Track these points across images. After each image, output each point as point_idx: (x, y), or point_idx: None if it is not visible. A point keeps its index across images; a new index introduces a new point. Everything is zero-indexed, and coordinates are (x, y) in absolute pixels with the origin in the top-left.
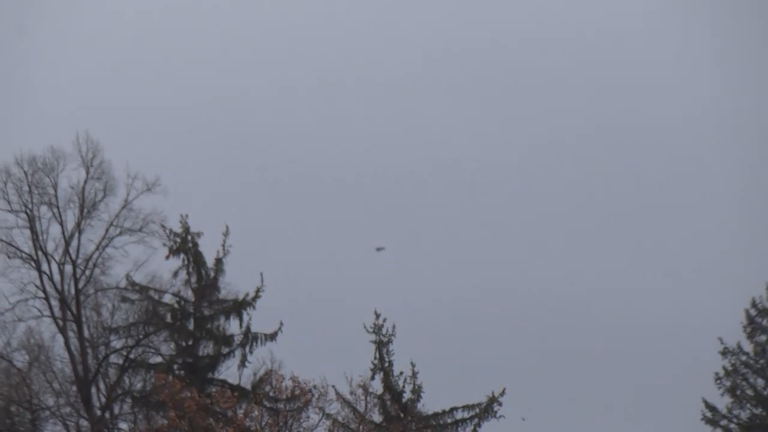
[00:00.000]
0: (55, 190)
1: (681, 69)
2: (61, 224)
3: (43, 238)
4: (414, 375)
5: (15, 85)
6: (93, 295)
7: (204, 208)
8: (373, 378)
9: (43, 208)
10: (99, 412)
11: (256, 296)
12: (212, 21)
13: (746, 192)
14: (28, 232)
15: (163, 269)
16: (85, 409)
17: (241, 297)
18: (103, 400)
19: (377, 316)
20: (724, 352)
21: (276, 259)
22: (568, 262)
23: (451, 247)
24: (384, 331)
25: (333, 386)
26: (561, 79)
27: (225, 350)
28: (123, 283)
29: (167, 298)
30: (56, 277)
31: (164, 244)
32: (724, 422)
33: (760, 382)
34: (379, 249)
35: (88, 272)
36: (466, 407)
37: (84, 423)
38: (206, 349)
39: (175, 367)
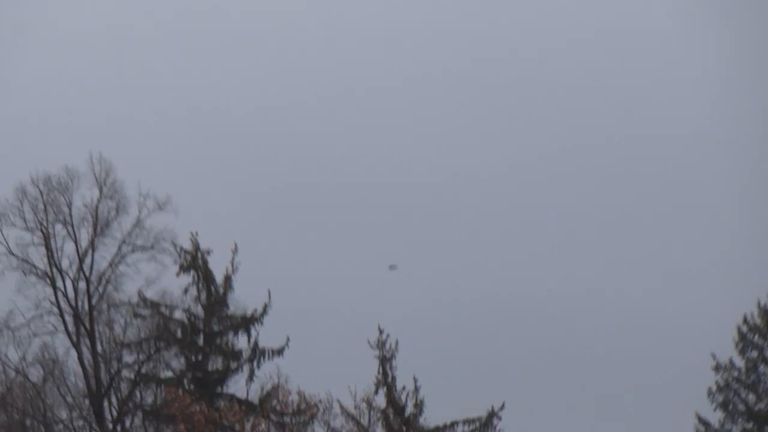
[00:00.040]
0: (70, 209)
1: (680, 74)
2: (75, 242)
3: (57, 255)
4: (416, 390)
5: (29, 103)
6: (106, 310)
7: (213, 225)
8: (376, 392)
9: (58, 226)
10: (111, 425)
11: (264, 312)
12: (216, 38)
13: (745, 203)
14: (43, 249)
15: (173, 286)
16: (97, 422)
17: (249, 313)
18: (115, 413)
19: (381, 332)
20: (717, 368)
21: (283, 275)
22: (567, 276)
23: (453, 256)
24: (387, 346)
25: (338, 400)
26: (563, 84)
27: (233, 365)
28: (135, 300)
29: (178, 314)
30: (70, 294)
31: (175, 262)
32: None
33: (752, 397)
34: (392, 267)
35: (101, 288)
36: (466, 421)
37: None
38: (215, 364)
39: (185, 381)
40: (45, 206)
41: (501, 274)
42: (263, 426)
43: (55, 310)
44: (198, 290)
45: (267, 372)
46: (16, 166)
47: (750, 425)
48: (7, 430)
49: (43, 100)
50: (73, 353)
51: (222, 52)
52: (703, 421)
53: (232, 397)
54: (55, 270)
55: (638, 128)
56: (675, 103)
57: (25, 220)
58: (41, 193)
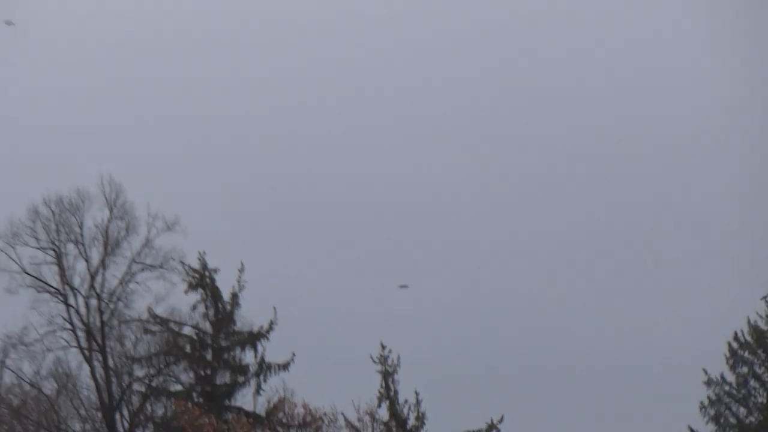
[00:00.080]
0: (81, 229)
1: (681, 74)
2: (87, 261)
3: (69, 273)
4: (418, 403)
5: (39, 128)
6: (117, 327)
7: (220, 245)
8: (379, 406)
9: (70, 246)
10: None
11: (270, 328)
12: (221, 55)
13: (744, 208)
14: (55, 267)
15: (182, 303)
16: None
17: (255, 329)
18: (127, 425)
19: (383, 347)
20: (708, 383)
21: (289, 292)
22: (563, 287)
23: (456, 268)
24: (389, 361)
25: (342, 413)
26: (564, 85)
27: (241, 379)
28: (145, 316)
29: (187, 330)
30: (82, 310)
31: (183, 280)
32: None
33: (743, 410)
34: (402, 287)
35: (112, 306)
36: None
37: None
38: (223, 378)
39: (194, 394)
40: (57, 226)
41: (499, 285)
42: None
43: (68, 326)
44: (206, 307)
45: (273, 386)
46: (29, 187)
47: None
48: None
49: (49, 119)
50: (86, 367)
51: (234, 70)
52: None
53: (239, 410)
54: (67, 288)
55: (638, 129)
56: (675, 103)
57: (38, 240)
58: (53, 213)
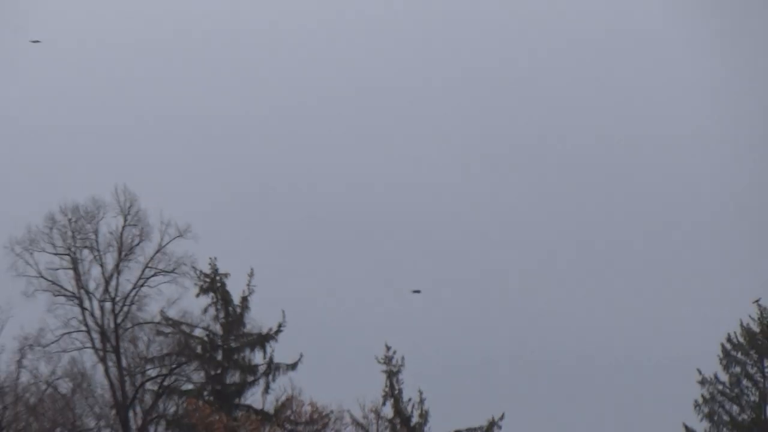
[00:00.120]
0: (96, 236)
1: (679, 75)
2: (101, 266)
3: (85, 278)
4: (421, 401)
5: (57, 137)
6: (130, 329)
7: (230, 249)
8: (384, 404)
9: (85, 252)
10: None
11: (278, 330)
12: (233, 64)
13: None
14: (71, 272)
15: (193, 306)
16: (123, 431)
17: (264, 331)
18: (140, 422)
19: (388, 348)
20: (702, 382)
21: (297, 295)
22: (562, 301)
23: (458, 284)
24: (394, 361)
25: (348, 411)
26: (563, 85)
27: (250, 379)
28: (158, 319)
29: (198, 332)
30: (97, 313)
31: (195, 284)
32: None
33: (735, 408)
34: (415, 291)
35: (125, 309)
36: (468, 430)
37: None
38: (233, 377)
39: (205, 393)
40: (73, 233)
41: (500, 284)
42: None
43: (83, 328)
44: (217, 310)
45: (282, 385)
46: (45, 195)
47: None
48: None
49: (51, 119)
50: (100, 367)
51: (240, 75)
52: (690, 431)
53: (248, 408)
54: (82, 291)
55: (638, 128)
56: (674, 103)
57: (54, 246)
58: (69, 221)
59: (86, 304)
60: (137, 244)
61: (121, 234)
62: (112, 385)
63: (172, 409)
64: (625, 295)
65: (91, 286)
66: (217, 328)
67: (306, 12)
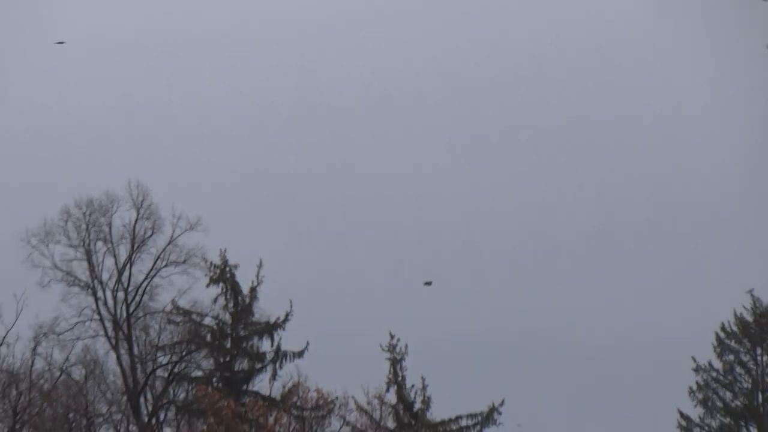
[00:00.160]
0: (110, 228)
1: (680, 77)
2: (115, 257)
3: (98, 269)
4: (424, 387)
5: (72, 134)
6: (142, 318)
7: (240, 241)
8: (387, 390)
9: (99, 244)
10: (146, 419)
11: (286, 319)
12: (243, 63)
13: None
14: (85, 264)
15: (203, 296)
16: (134, 416)
17: (272, 320)
18: (151, 408)
19: (392, 336)
20: (697, 369)
21: (305, 285)
22: (560, 290)
23: (459, 275)
24: (397, 349)
25: (352, 397)
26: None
27: (258, 366)
28: (169, 308)
29: (208, 321)
30: (110, 303)
31: (205, 275)
32: (696, 430)
33: (729, 395)
34: (426, 283)
35: (138, 298)
36: (469, 416)
37: (133, 428)
38: (241, 364)
39: (214, 380)
40: (87, 226)
41: (501, 280)
42: (285, 420)
43: (96, 317)
44: (226, 300)
45: (288, 372)
46: (60, 189)
47: (727, 420)
48: (53, 423)
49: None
50: (112, 355)
51: (250, 70)
52: (684, 417)
53: (256, 394)
54: (96, 282)
55: (638, 126)
56: (674, 90)
57: (69, 238)
58: (84, 214)
59: (99, 294)
60: (149, 237)
61: (134, 227)
62: (123, 371)
63: (182, 395)
64: (623, 284)
65: (105, 276)
66: (227, 317)
67: (303, 8)
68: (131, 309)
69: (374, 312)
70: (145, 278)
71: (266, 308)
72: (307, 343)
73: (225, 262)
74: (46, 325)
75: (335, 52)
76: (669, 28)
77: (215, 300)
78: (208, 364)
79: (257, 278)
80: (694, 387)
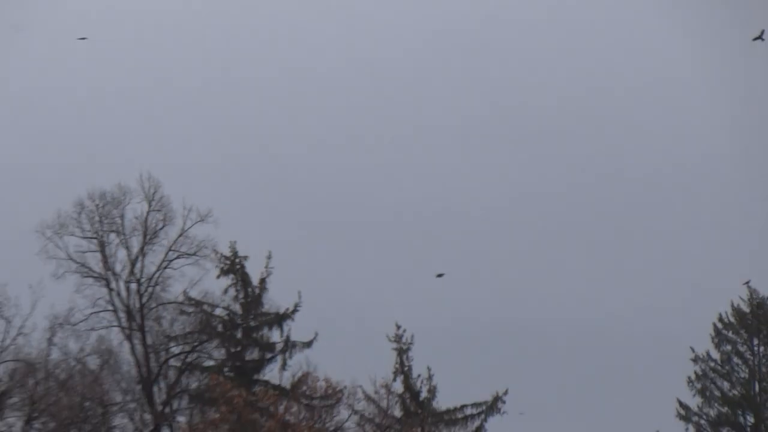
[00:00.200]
0: (122, 220)
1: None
2: (127, 249)
3: (111, 260)
4: (430, 377)
5: (84, 127)
6: (155, 308)
7: (250, 233)
8: (394, 380)
9: (112, 236)
10: (160, 408)
11: (295, 310)
12: (261, 48)
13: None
14: (99, 255)
15: (214, 287)
16: (148, 404)
17: (282, 311)
18: (164, 397)
19: (398, 327)
20: (695, 359)
21: (314, 276)
22: (561, 279)
23: (462, 267)
24: (404, 340)
25: (360, 386)
26: (566, 90)
27: (268, 356)
28: (181, 299)
29: (219, 312)
30: (123, 294)
31: (216, 266)
32: (695, 419)
33: (726, 385)
34: (439, 275)
35: (150, 289)
36: (474, 404)
37: (147, 417)
38: (252, 354)
39: (226, 369)
40: (100, 218)
41: (504, 287)
42: (294, 408)
43: (110, 308)
44: (236, 291)
45: (298, 362)
46: (74, 182)
47: (725, 409)
48: (69, 411)
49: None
50: (126, 345)
51: (261, 61)
52: (683, 406)
53: (267, 383)
54: (109, 273)
55: (638, 126)
56: (676, 101)
57: (83, 230)
58: (97, 206)
59: (113, 285)
60: (161, 229)
61: (146, 219)
62: (137, 361)
63: (194, 385)
64: (624, 276)
65: (118, 268)
66: (237, 308)
67: (312, 8)
68: (144, 300)
69: (381, 303)
70: (157, 269)
71: (276, 299)
72: (316, 334)
73: (235, 254)
74: (61, 315)
75: (337, 52)
76: (659, 21)
77: (226, 291)
78: (219, 353)
79: (267, 269)
80: (693, 377)
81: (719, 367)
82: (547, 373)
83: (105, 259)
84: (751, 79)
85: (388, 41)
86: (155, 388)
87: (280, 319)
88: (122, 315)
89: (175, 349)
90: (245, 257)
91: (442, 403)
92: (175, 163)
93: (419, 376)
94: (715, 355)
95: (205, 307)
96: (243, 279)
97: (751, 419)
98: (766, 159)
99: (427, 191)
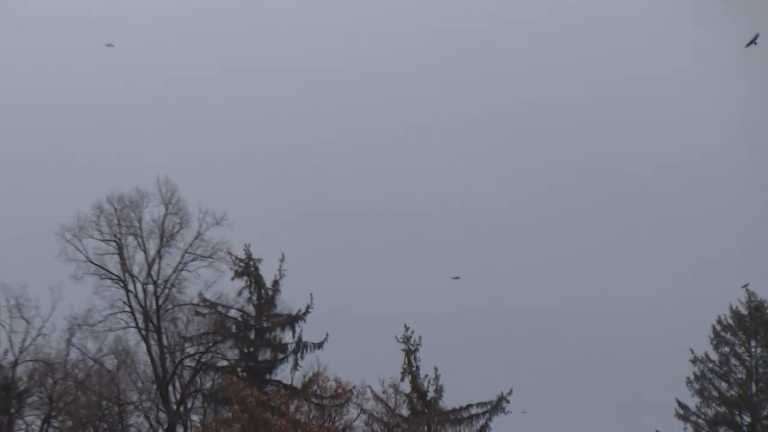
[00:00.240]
0: (140, 223)
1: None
2: (145, 251)
3: (129, 263)
4: (437, 377)
5: (104, 134)
6: (171, 309)
7: (263, 236)
8: (402, 380)
9: (130, 238)
10: (175, 407)
11: (307, 312)
12: (268, 63)
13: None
14: (117, 257)
15: (229, 289)
16: (163, 403)
17: (294, 312)
18: (179, 396)
19: (406, 328)
20: (694, 360)
21: (326, 280)
22: (564, 280)
23: (468, 269)
24: (412, 341)
25: (369, 386)
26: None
27: (280, 356)
28: (196, 300)
29: (233, 313)
30: (140, 295)
31: (230, 268)
32: (693, 418)
33: (724, 385)
34: (455, 278)
35: (166, 291)
36: (479, 404)
37: (162, 415)
38: (264, 355)
39: (239, 369)
40: (118, 221)
41: (508, 290)
42: (305, 407)
43: (127, 309)
44: (250, 293)
45: (309, 362)
46: (92, 186)
47: (722, 409)
48: (86, 410)
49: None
50: (143, 345)
51: (273, 70)
52: (682, 405)
53: (279, 383)
54: (127, 275)
55: (637, 124)
56: (676, 100)
57: (101, 233)
58: (115, 210)
59: (130, 286)
60: (177, 232)
61: (163, 222)
62: (153, 361)
63: (208, 384)
64: (626, 279)
65: (135, 270)
66: (251, 309)
67: (312, 8)
68: (160, 301)
69: (390, 305)
70: (174, 272)
71: (288, 301)
72: (327, 335)
73: (249, 256)
74: (80, 316)
75: (341, 54)
76: (659, 21)
77: (240, 293)
78: (233, 354)
79: (280, 272)
80: (692, 377)
81: (717, 368)
82: (547, 373)
83: (123, 262)
84: (751, 79)
85: (388, 41)
86: (170, 388)
87: (292, 320)
88: (139, 316)
89: (190, 350)
90: (259, 260)
91: (448, 402)
92: (190, 167)
93: (426, 376)
94: (714, 356)
95: (220, 308)
96: (257, 281)
97: (747, 419)
98: (766, 159)
99: (428, 191)
